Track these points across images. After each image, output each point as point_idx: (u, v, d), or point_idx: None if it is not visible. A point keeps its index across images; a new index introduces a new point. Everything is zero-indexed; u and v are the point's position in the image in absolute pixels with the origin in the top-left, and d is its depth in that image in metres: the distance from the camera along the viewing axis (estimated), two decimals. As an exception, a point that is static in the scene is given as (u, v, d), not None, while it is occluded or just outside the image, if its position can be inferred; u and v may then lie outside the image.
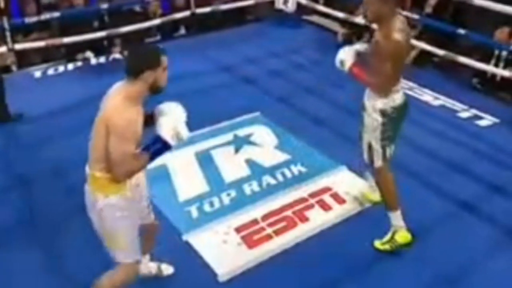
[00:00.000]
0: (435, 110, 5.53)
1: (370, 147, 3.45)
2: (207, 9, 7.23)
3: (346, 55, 3.43)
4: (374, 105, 3.33)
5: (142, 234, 2.87)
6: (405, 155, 4.49)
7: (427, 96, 5.79)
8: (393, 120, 3.35)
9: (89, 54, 6.76)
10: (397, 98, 3.32)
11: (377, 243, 3.57)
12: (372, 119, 3.36)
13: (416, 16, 6.27)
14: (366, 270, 3.46)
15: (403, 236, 3.50)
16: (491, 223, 3.91)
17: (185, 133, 2.57)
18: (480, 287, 3.35)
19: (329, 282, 3.36)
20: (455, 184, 4.29)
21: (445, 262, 3.49)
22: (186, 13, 7.11)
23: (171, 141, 2.54)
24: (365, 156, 3.52)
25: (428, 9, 6.51)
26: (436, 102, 5.68)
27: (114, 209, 2.59)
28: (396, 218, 3.49)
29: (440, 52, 6.00)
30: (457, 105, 5.60)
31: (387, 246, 3.53)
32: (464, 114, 5.45)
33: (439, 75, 6.27)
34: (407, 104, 3.41)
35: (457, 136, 5.03)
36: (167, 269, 3.32)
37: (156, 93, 2.54)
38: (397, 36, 3.09)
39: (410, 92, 5.80)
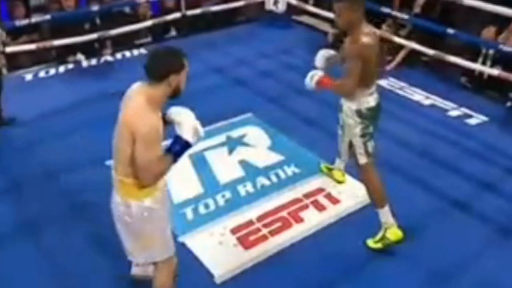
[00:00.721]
0: (425, 109, 5.58)
1: (350, 145, 3.60)
2: (197, 11, 7.22)
3: (312, 72, 3.57)
4: (350, 107, 3.45)
5: None
6: (395, 153, 4.62)
7: (418, 95, 5.83)
8: (369, 119, 3.46)
9: (80, 56, 6.71)
10: (371, 100, 3.43)
11: (370, 242, 3.60)
12: (350, 119, 3.48)
13: (405, 16, 6.32)
14: (360, 269, 3.50)
15: (394, 233, 3.53)
16: (481, 220, 3.96)
17: (202, 130, 2.56)
18: (472, 284, 3.39)
19: (325, 282, 3.39)
20: (445, 181, 4.34)
21: (437, 260, 3.53)
22: (177, 15, 7.10)
23: (192, 139, 2.51)
24: (347, 156, 3.78)
25: (417, 9, 6.54)
26: (427, 102, 5.72)
27: (149, 212, 2.58)
28: (385, 215, 3.52)
29: (430, 51, 6.04)
30: (447, 104, 5.65)
31: (379, 245, 3.56)
32: (454, 113, 5.50)
33: (429, 75, 6.31)
34: (380, 106, 3.52)
35: (447, 134, 5.08)
36: None
37: (176, 97, 2.52)
38: (365, 39, 3.23)
39: (401, 92, 5.89)
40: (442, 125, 5.25)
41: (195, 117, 2.56)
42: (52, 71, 6.42)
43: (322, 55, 3.68)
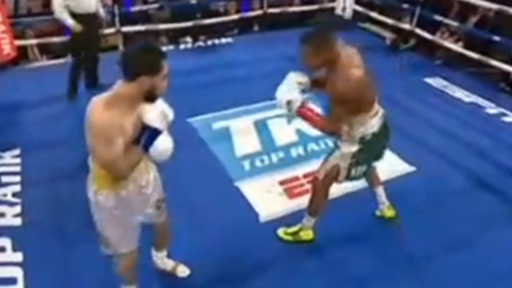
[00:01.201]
0: (465, 105, 5.09)
1: (336, 167, 2.78)
2: (277, 10, 7.03)
3: (292, 95, 2.55)
4: (351, 134, 2.66)
5: (155, 230, 2.54)
6: (436, 139, 4.31)
7: (460, 93, 5.33)
8: (369, 146, 2.71)
9: (188, 39, 6.74)
10: (374, 124, 2.67)
11: (281, 231, 3.08)
12: (348, 147, 2.70)
13: (455, 23, 5.81)
14: (376, 233, 3.19)
15: (307, 234, 3.04)
16: (504, 200, 3.56)
17: (170, 113, 2.01)
18: (489, 256, 3.04)
19: (345, 233, 3.16)
20: (478, 166, 3.94)
21: (457, 230, 3.22)
22: (259, 12, 6.95)
23: (160, 126, 1.96)
24: (324, 172, 2.81)
25: (470, 25, 5.99)
26: (467, 99, 5.22)
27: (103, 202, 2.13)
28: (311, 221, 3.00)
29: (475, 55, 5.51)
30: (486, 103, 5.12)
31: (289, 237, 3.05)
32: (492, 111, 4.98)
33: (472, 78, 5.75)
34: (387, 128, 2.76)
35: (483, 127, 4.62)
36: (183, 271, 2.77)
37: (150, 100, 1.95)
38: (354, 71, 2.45)
39: (445, 89, 5.42)
40: (479, 119, 4.78)
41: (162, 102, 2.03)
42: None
43: (296, 84, 2.62)
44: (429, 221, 3.28)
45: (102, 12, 4.88)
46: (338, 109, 2.53)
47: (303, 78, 2.63)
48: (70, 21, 4.51)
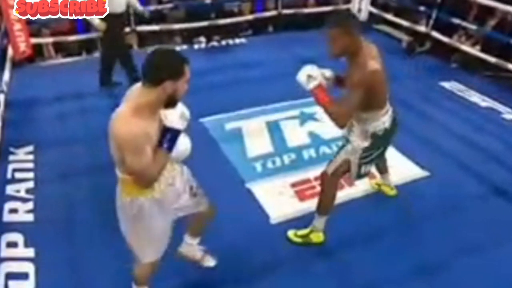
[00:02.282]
0: (481, 110, 5.04)
1: (347, 163, 2.82)
2: (291, 11, 7.04)
3: (315, 73, 2.60)
4: (364, 129, 2.73)
5: (194, 218, 2.54)
6: (450, 143, 4.27)
7: (476, 98, 5.28)
8: (380, 141, 2.78)
9: (202, 39, 6.80)
10: (386, 121, 2.74)
11: (291, 233, 3.07)
12: (360, 142, 2.76)
13: (473, 27, 5.77)
14: (388, 235, 3.19)
15: (317, 236, 3.04)
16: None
17: (187, 113, 2.06)
18: (503, 262, 3.02)
19: (355, 238, 3.15)
20: (492, 172, 3.89)
21: (471, 235, 3.19)
22: (273, 12, 6.97)
23: (181, 126, 2.02)
24: (334, 168, 2.84)
25: (488, 28, 5.94)
26: (483, 104, 5.17)
27: (140, 211, 2.16)
28: (321, 222, 3.00)
29: (492, 59, 5.45)
30: (502, 108, 5.06)
31: (299, 240, 3.05)
32: (508, 116, 4.91)
33: (489, 82, 5.69)
34: (396, 124, 2.82)
35: (499, 132, 4.56)
36: (209, 261, 2.81)
37: (170, 106, 1.98)
38: (372, 63, 2.49)
39: (460, 93, 5.37)
40: (495, 124, 4.72)
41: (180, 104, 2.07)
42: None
43: (321, 71, 2.67)
44: (443, 226, 3.26)
45: (139, 7, 5.03)
46: (346, 96, 2.56)
47: (329, 73, 2.72)
48: (96, 21, 4.67)
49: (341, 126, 2.61)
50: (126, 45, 5.22)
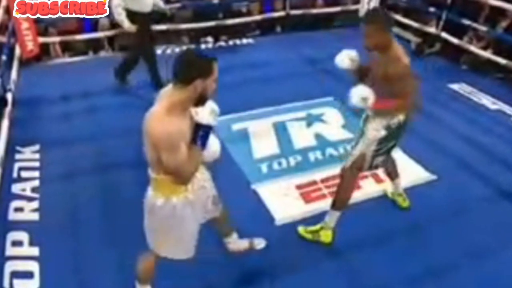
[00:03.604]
0: (491, 113, 5.01)
1: (363, 155, 2.94)
2: (299, 11, 7.05)
3: (365, 92, 2.75)
4: (381, 121, 2.86)
5: (216, 222, 2.65)
6: (458, 147, 4.26)
7: (485, 100, 5.25)
8: (393, 134, 2.90)
9: (209, 39, 6.83)
10: (401, 115, 2.87)
11: (301, 229, 3.14)
12: (375, 133, 2.89)
13: (483, 28, 5.74)
14: (396, 236, 3.22)
15: (327, 235, 3.09)
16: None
17: (217, 108, 2.14)
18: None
19: (361, 242, 3.15)
20: (499, 175, 3.87)
21: (479, 239, 3.19)
22: (281, 13, 6.99)
23: (213, 121, 2.10)
24: (353, 158, 2.97)
25: (499, 30, 5.91)
26: (493, 106, 5.14)
27: (172, 211, 2.22)
28: (334, 218, 3.06)
29: (502, 61, 5.43)
30: (512, 111, 5.06)
31: (309, 235, 3.11)
32: (519, 119, 4.91)
33: (499, 84, 5.66)
34: (408, 120, 2.92)
35: (508, 135, 4.53)
36: (260, 244, 2.93)
37: (200, 104, 2.08)
38: (405, 59, 2.72)
39: (470, 96, 5.34)
40: (504, 127, 4.70)
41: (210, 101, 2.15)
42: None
43: (346, 54, 2.90)
44: (450, 229, 3.27)
45: (163, 5, 5.06)
46: (396, 88, 2.72)
47: (355, 56, 2.89)
48: (126, 24, 4.71)
49: (404, 112, 2.84)
50: (153, 46, 5.22)
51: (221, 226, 2.77)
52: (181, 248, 2.38)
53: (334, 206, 3.06)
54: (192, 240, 2.40)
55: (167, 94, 2.08)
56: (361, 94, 2.75)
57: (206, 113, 2.09)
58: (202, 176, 2.37)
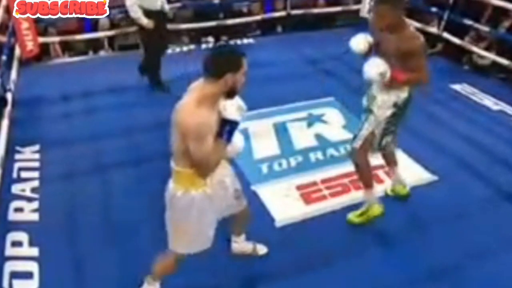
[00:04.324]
0: (493, 114, 5.01)
1: (372, 135, 3.07)
2: (300, 11, 7.08)
3: (382, 67, 2.84)
4: (388, 99, 2.96)
5: (234, 218, 2.68)
6: (459, 148, 4.27)
7: (488, 101, 5.25)
8: (401, 111, 3.02)
9: (210, 39, 6.85)
10: (405, 90, 2.98)
11: (351, 216, 3.26)
12: (383, 111, 2.99)
13: (485, 28, 5.75)
14: (396, 237, 3.24)
15: (376, 208, 3.22)
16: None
17: (244, 105, 2.21)
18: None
19: (364, 242, 3.16)
20: (501, 177, 3.87)
21: (481, 240, 3.19)
22: (282, 13, 7.01)
23: (238, 118, 2.18)
24: (361, 142, 3.09)
25: (502, 30, 5.91)
26: (495, 107, 5.14)
27: (191, 203, 2.28)
28: (370, 195, 3.21)
29: (505, 61, 5.43)
30: (516, 112, 5.07)
31: (361, 219, 3.24)
32: (521, 120, 4.92)
33: (501, 84, 5.67)
34: (411, 96, 3.03)
35: (510, 136, 4.53)
36: (261, 250, 3.00)
37: (230, 97, 2.16)
38: (421, 37, 2.84)
39: (472, 96, 5.35)
40: (506, 128, 4.70)
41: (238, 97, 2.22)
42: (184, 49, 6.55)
43: (363, 38, 2.99)
44: (452, 230, 3.27)
45: (167, 7, 5.08)
46: (419, 62, 2.83)
47: (371, 40, 2.98)
48: (144, 20, 4.74)
49: (426, 83, 2.96)
50: (162, 45, 5.23)
51: (237, 224, 2.81)
52: (198, 240, 2.42)
53: (364, 186, 3.21)
54: (210, 231, 2.44)
55: (198, 87, 2.17)
56: (378, 69, 2.83)
57: (233, 109, 2.16)
58: (222, 171, 2.40)
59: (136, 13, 4.72)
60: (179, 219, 2.35)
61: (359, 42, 2.97)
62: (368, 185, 3.19)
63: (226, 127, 2.17)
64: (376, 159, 3.88)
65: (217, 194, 2.38)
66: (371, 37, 3.00)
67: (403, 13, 2.86)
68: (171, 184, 2.33)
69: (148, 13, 4.75)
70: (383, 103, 2.98)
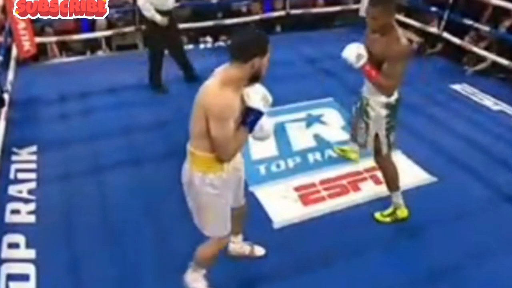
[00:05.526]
0: (493, 114, 5.03)
1: (377, 137, 3.18)
2: (299, 11, 7.10)
3: (363, 51, 2.94)
4: (379, 100, 3.06)
5: (233, 216, 2.61)
6: (460, 149, 4.28)
7: (488, 101, 5.27)
8: (395, 110, 3.11)
9: (208, 39, 6.86)
10: (396, 93, 3.06)
11: (378, 215, 3.35)
12: (377, 112, 3.10)
13: (486, 28, 5.77)
14: (397, 238, 3.25)
15: (402, 211, 3.33)
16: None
17: (270, 96, 2.24)
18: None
19: (362, 244, 3.17)
20: (501, 178, 3.88)
21: (480, 241, 3.21)
22: (281, 13, 7.03)
23: (263, 108, 2.19)
24: (371, 145, 3.23)
25: (502, 29, 5.92)
26: (495, 107, 5.16)
27: (209, 187, 2.31)
28: (398, 197, 3.31)
29: (505, 62, 5.45)
30: (516, 112, 5.08)
31: (387, 219, 3.33)
32: (521, 120, 4.93)
33: (502, 84, 5.68)
34: (401, 97, 3.12)
35: (510, 137, 4.55)
36: (259, 251, 3.02)
37: (255, 81, 2.18)
38: (404, 40, 2.89)
39: (472, 97, 5.37)
40: (506, 128, 4.72)
41: (263, 88, 2.24)
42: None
43: (356, 48, 2.97)
44: (451, 231, 3.28)
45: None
46: (390, 69, 2.89)
47: (364, 52, 2.97)
48: (158, 17, 4.75)
49: (389, 95, 3.02)
50: (181, 41, 5.30)
51: (235, 222, 2.75)
52: (222, 224, 2.45)
53: (390, 189, 3.31)
54: (228, 217, 2.46)
55: (224, 70, 2.18)
56: (357, 50, 2.92)
57: (258, 98, 2.18)
58: (239, 160, 2.44)
59: (150, 11, 4.73)
60: (203, 201, 2.36)
61: (349, 52, 2.97)
62: (395, 187, 3.29)
63: (250, 117, 2.18)
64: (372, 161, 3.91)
65: (231, 182, 2.41)
66: (363, 43, 3.01)
67: (394, 14, 2.93)
68: (187, 167, 2.34)
69: (159, 13, 4.75)
70: (376, 104, 3.09)
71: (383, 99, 3.05)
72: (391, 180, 3.29)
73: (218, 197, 2.35)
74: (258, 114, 2.18)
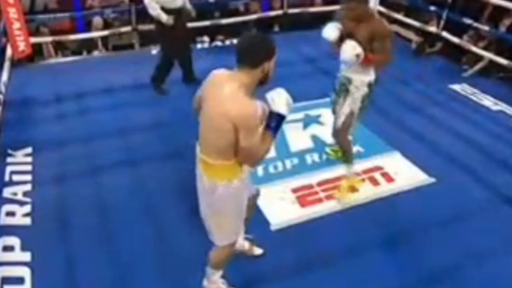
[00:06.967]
0: (493, 114, 5.06)
1: (351, 113, 3.40)
2: (297, 10, 7.12)
3: (358, 49, 3.11)
4: (363, 79, 3.31)
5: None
6: (459, 148, 4.31)
7: (488, 101, 5.30)
8: (371, 90, 3.37)
9: (205, 38, 6.87)
10: (373, 73, 3.35)
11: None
12: (360, 91, 3.33)
13: (485, 27, 5.79)
14: (398, 239, 3.27)
15: (356, 181, 3.68)
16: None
17: (292, 101, 2.21)
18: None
19: (361, 244, 3.19)
20: (500, 179, 3.91)
21: (479, 243, 3.23)
22: (279, 11, 7.05)
23: (286, 112, 2.17)
24: (342, 121, 3.44)
25: (502, 28, 5.95)
26: (495, 107, 5.19)
27: (236, 192, 2.30)
28: (351, 170, 3.63)
29: (504, 61, 5.47)
30: (515, 112, 5.10)
31: (342, 192, 3.60)
32: (520, 120, 4.96)
33: (502, 85, 5.71)
34: (378, 76, 3.41)
35: (509, 137, 4.58)
36: (257, 250, 3.04)
37: (264, 83, 2.17)
38: (387, 23, 3.34)
39: (472, 97, 5.39)
40: (505, 129, 4.75)
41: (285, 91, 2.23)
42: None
43: (334, 26, 3.24)
44: (451, 232, 3.31)
45: (189, 6, 5.06)
46: (382, 45, 3.15)
47: (339, 26, 3.24)
48: (164, 16, 4.73)
49: (384, 68, 3.39)
50: (189, 42, 5.27)
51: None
52: (236, 228, 2.47)
53: (346, 163, 3.63)
54: (240, 222, 2.50)
55: (231, 79, 2.12)
56: (355, 50, 3.12)
57: (283, 102, 2.16)
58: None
59: (155, 10, 4.70)
60: (228, 208, 2.34)
61: (332, 30, 3.23)
62: (349, 160, 3.60)
63: (275, 121, 2.16)
64: (371, 163, 3.94)
65: (247, 181, 2.41)
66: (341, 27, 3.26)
67: (368, 4, 3.28)
68: (205, 178, 2.30)
69: (166, 11, 4.72)
70: (361, 84, 3.32)
71: (367, 78, 3.30)
72: (348, 155, 3.60)
73: (242, 200, 2.37)
74: (282, 118, 2.17)
